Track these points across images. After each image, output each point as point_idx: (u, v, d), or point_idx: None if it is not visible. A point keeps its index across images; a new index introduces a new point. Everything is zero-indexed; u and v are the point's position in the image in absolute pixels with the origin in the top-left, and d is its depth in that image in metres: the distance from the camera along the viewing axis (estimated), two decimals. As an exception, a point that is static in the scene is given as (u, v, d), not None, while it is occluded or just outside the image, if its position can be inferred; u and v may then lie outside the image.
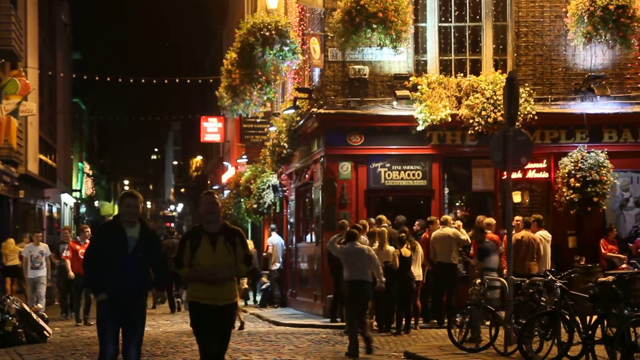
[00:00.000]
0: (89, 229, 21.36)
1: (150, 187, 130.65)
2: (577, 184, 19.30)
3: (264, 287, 25.88)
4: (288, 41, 20.95)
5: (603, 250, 19.70)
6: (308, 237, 23.85)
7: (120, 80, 37.12)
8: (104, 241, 9.40)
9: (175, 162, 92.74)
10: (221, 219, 9.61)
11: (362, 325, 14.49)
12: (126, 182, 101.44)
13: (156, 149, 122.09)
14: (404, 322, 17.63)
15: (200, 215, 9.40)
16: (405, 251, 17.65)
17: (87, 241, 20.50)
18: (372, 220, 19.19)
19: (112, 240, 9.33)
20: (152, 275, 9.56)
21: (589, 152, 19.73)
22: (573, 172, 19.46)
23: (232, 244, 9.36)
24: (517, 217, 18.52)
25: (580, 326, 12.37)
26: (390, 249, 17.62)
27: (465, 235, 18.32)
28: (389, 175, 20.72)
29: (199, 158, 61.42)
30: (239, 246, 9.40)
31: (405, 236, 17.91)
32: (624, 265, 18.97)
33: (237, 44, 21.66)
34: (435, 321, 18.49)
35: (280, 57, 21.02)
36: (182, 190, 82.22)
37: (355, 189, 20.68)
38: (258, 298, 26.53)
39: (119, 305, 9.31)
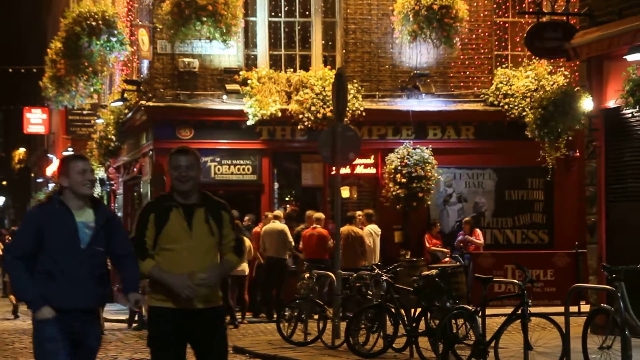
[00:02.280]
0: None
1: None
2: (403, 180, 19.75)
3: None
4: (115, 32, 20.54)
5: (427, 245, 20.26)
6: (136, 231, 23.44)
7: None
8: (42, 232, 6.24)
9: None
10: (200, 190, 6.64)
11: None
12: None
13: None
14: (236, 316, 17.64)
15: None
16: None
17: None
18: None
19: (56, 230, 6.24)
20: (119, 275, 6.78)
21: (414, 149, 20.22)
22: (399, 167, 19.91)
23: (217, 220, 6.53)
24: (358, 212, 18.90)
25: (405, 319, 12.66)
26: None
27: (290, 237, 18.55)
28: (219, 169, 20.62)
29: (22, 150, 59.45)
30: (226, 225, 6.58)
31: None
32: (446, 259, 19.57)
33: (62, 33, 21.11)
34: (264, 315, 18.54)
35: (108, 48, 20.60)
36: (4, 183, 79.42)
37: (184, 183, 20.44)
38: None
39: (70, 326, 6.25)
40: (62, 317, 6.20)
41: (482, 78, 21.25)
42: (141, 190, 22.77)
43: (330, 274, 14.92)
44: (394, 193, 19.91)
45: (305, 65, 20.93)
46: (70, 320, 6.24)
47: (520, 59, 21.31)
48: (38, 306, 6.21)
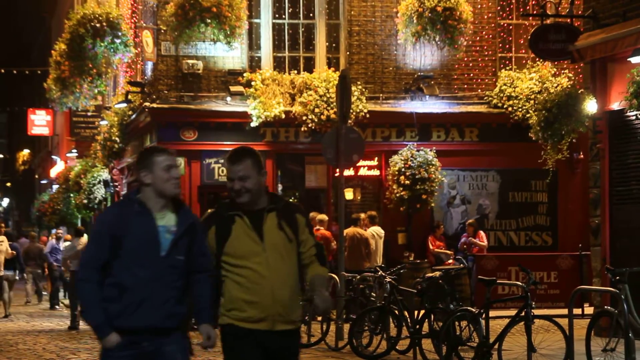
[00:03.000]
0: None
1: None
2: (407, 182, 19.74)
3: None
4: (120, 33, 20.57)
5: (431, 247, 20.25)
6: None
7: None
8: (118, 237, 5.37)
9: (0, 156, 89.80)
10: (267, 191, 5.73)
11: None
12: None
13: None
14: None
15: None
16: None
17: None
18: None
19: (135, 235, 5.38)
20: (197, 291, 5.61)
21: (418, 151, 20.20)
22: (403, 169, 19.89)
23: (291, 225, 5.61)
24: (362, 215, 18.90)
25: (409, 321, 12.66)
26: None
27: None
28: (222, 171, 20.61)
29: (26, 151, 59.52)
30: (303, 230, 5.66)
31: None
32: (450, 261, 19.56)
33: (67, 34, 21.13)
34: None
35: (112, 50, 20.63)
36: (8, 184, 79.59)
37: (188, 185, 20.49)
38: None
39: (146, 350, 5.42)
40: (132, 339, 5.37)
41: (486, 80, 21.22)
42: (145, 191, 22.77)
43: (333, 275, 14.91)
44: (397, 195, 19.90)
45: (309, 67, 20.93)
46: (139, 340, 5.38)
47: (524, 61, 21.29)
48: (104, 333, 5.37)
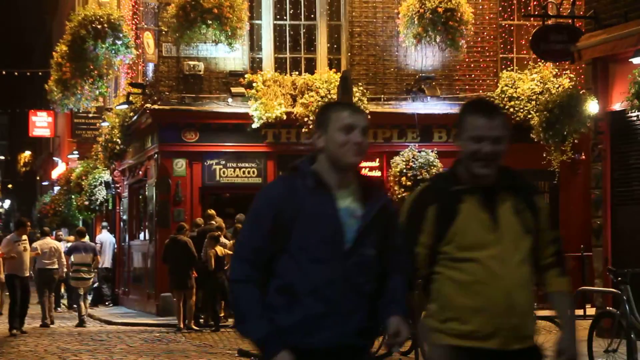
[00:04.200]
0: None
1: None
2: (409, 183, 19.73)
3: (94, 285, 25.33)
4: (121, 35, 20.58)
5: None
6: (141, 234, 23.50)
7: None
8: (285, 222, 3.89)
9: (1, 157, 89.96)
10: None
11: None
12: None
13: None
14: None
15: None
16: (220, 250, 17.80)
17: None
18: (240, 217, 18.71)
19: (308, 220, 3.89)
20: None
21: (419, 152, 20.20)
22: (404, 170, 19.89)
23: (532, 211, 4.20)
24: None
25: (411, 322, 12.61)
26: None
27: None
28: (224, 172, 20.63)
29: (28, 153, 59.57)
30: (544, 219, 4.25)
31: (220, 235, 18.17)
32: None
33: (68, 36, 21.14)
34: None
35: (113, 51, 20.64)
36: (9, 186, 79.63)
37: (189, 186, 20.50)
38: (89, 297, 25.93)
39: None
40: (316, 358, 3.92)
41: (488, 81, 21.20)
42: (146, 193, 22.78)
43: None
44: (399, 196, 19.88)
45: (311, 68, 20.93)
46: None
47: (525, 62, 21.27)
48: (273, 350, 3.87)
